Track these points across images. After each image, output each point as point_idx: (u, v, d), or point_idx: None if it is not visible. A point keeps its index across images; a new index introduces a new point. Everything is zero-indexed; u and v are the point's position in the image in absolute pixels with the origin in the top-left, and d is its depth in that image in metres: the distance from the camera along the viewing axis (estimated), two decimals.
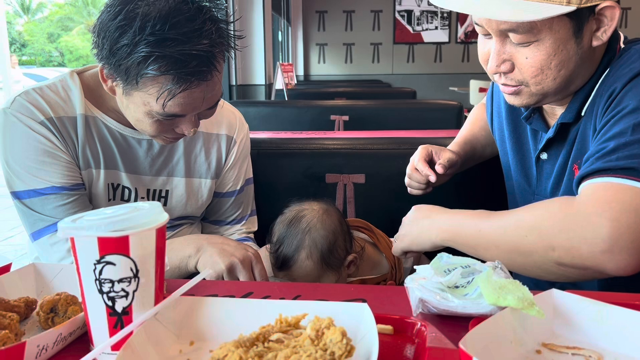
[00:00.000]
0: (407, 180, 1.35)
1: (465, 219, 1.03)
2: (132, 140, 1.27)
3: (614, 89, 0.99)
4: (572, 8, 0.93)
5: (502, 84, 1.08)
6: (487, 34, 1.05)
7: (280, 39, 7.89)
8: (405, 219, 1.16)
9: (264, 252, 1.24)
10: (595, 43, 1.01)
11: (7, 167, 1.18)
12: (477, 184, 1.60)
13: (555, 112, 1.16)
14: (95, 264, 0.63)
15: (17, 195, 1.18)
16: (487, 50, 1.06)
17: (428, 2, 8.49)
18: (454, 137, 1.58)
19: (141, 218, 0.66)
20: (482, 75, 7.25)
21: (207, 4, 1.07)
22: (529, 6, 0.94)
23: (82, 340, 0.71)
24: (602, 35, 1.00)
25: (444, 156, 1.31)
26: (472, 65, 8.51)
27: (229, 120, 1.42)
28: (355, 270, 1.26)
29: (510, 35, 1.00)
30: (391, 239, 1.36)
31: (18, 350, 0.61)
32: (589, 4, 0.95)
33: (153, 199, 1.32)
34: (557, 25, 0.97)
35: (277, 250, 1.21)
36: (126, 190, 1.28)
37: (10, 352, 0.60)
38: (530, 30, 0.97)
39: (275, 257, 1.21)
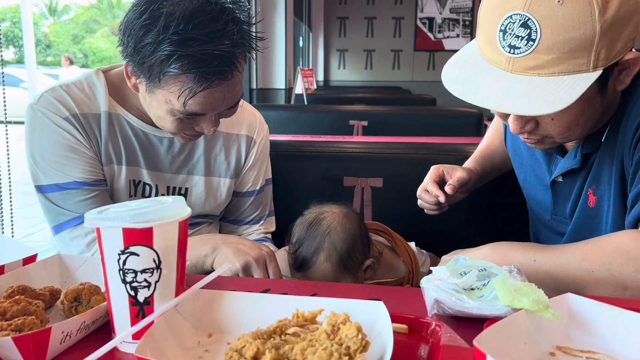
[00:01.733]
0: (419, 202, 1.35)
1: (535, 255, 0.97)
2: (153, 138, 1.29)
3: None
4: (599, 72, 0.89)
5: (525, 138, 1.04)
6: None
7: (301, 44, 7.93)
8: (476, 253, 1.04)
9: (282, 254, 1.25)
10: (619, 88, 0.98)
11: (32, 162, 1.21)
12: (499, 193, 1.59)
13: None
14: (119, 254, 0.65)
15: (40, 189, 1.21)
16: None
17: (450, 10, 8.47)
18: (474, 144, 1.58)
19: (165, 211, 0.68)
20: None
21: (230, 5, 1.09)
22: (557, 85, 0.88)
23: (104, 329, 0.73)
24: (625, 79, 0.97)
25: (455, 175, 1.30)
26: None
27: (249, 121, 1.44)
28: (372, 274, 1.26)
29: None
30: (409, 243, 1.37)
31: (44, 335, 0.63)
32: (614, 61, 0.91)
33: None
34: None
35: (296, 252, 1.22)
36: (147, 187, 1.31)
37: (37, 337, 0.63)
38: None
39: (294, 258, 1.22)
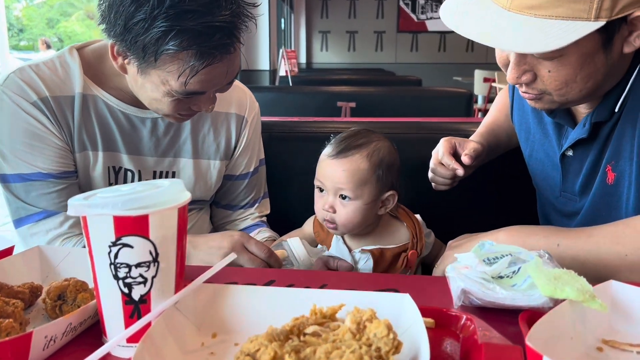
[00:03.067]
0: (430, 175, 1.28)
1: (559, 240, 0.91)
2: (135, 120, 1.19)
3: None
4: (601, 23, 0.84)
5: (523, 92, 1.00)
6: None
7: (283, 26, 7.79)
8: (490, 239, 0.96)
9: (296, 240, 1.17)
10: (627, 50, 0.92)
11: None
12: (503, 175, 1.53)
13: (581, 107, 1.08)
14: (110, 247, 0.57)
15: (3, 178, 1.11)
16: (505, 55, 0.97)
17: None
18: (470, 122, 1.51)
19: (161, 196, 0.59)
20: (487, 65, 7.17)
21: None
22: (552, 28, 0.85)
23: (93, 330, 0.65)
24: (635, 41, 0.90)
25: (468, 147, 1.24)
26: (477, 55, 8.42)
27: (239, 98, 1.34)
28: (384, 213, 1.22)
29: None
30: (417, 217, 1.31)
31: (24, 341, 0.55)
32: (620, 15, 0.85)
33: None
34: (585, 40, 0.86)
35: (340, 139, 1.20)
36: (129, 174, 1.21)
37: (16, 344, 0.54)
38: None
39: (337, 143, 1.20)
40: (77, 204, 0.57)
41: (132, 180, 1.22)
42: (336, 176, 1.15)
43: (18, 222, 1.13)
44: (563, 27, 0.84)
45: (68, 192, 1.14)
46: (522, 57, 0.93)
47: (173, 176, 1.27)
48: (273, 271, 0.91)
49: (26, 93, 1.09)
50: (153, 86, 1.04)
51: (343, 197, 1.15)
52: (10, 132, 1.09)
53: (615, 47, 0.91)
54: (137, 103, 1.17)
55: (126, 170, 1.21)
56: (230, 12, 0.97)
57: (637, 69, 0.97)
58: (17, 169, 1.10)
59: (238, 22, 1.00)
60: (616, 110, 1.00)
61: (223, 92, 1.14)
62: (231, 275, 0.84)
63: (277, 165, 1.57)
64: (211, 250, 1.04)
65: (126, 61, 1.04)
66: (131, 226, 0.56)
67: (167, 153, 1.25)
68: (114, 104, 1.17)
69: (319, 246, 1.24)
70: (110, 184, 1.20)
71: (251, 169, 1.39)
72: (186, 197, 0.61)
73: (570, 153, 1.12)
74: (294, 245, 1.08)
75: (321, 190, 1.18)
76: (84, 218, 0.57)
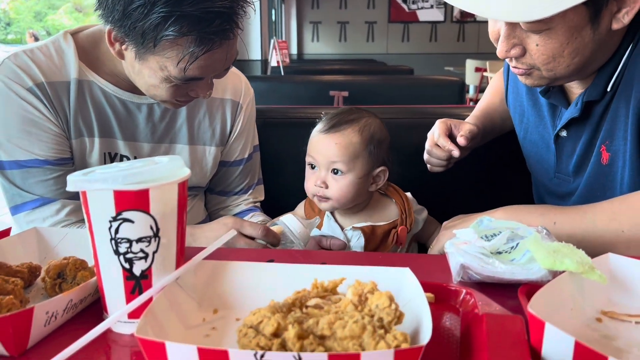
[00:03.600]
0: (426, 157, 1.28)
1: (555, 217, 0.91)
2: (131, 105, 1.18)
3: None
4: None
5: (513, 66, 1.01)
6: None
7: (273, 18, 7.74)
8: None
9: (288, 216, 1.18)
10: (615, 26, 0.92)
11: None
12: (497, 158, 1.53)
13: (575, 87, 1.09)
14: (110, 222, 0.56)
15: None
16: (497, 29, 0.98)
17: None
18: (465, 107, 1.51)
19: (161, 171, 0.59)
20: (478, 55, 7.17)
21: None
22: (538, 0, 0.85)
23: (95, 307, 0.65)
24: (624, 18, 0.91)
25: (464, 128, 1.24)
26: (468, 45, 8.41)
27: (234, 84, 1.34)
28: (375, 190, 1.24)
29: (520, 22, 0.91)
30: (407, 194, 1.31)
31: (25, 316, 0.54)
32: None
33: None
34: (572, 13, 0.88)
35: (334, 115, 1.22)
36: (125, 160, 1.20)
37: (17, 319, 0.54)
38: (541, 19, 0.88)
39: (328, 119, 1.21)
40: (76, 180, 0.57)
41: None
42: (329, 150, 1.16)
43: (15, 210, 1.12)
44: None
45: (65, 180, 1.12)
46: (511, 31, 0.94)
47: None
48: (273, 251, 0.91)
49: (21, 79, 1.08)
50: (151, 72, 1.03)
51: (335, 172, 1.15)
52: (5, 118, 1.08)
53: (603, 22, 0.91)
54: (132, 89, 1.17)
55: (122, 156, 1.20)
56: None
57: (629, 48, 0.97)
58: (14, 155, 1.08)
59: (237, 8, 1.00)
60: (608, 89, 1.01)
61: (220, 78, 1.13)
62: (231, 256, 0.84)
63: (271, 152, 1.56)
64: (209, 241, 1.03)
65: (123, 47, 1.03)
66: (132, 201, 0.56)
67: (163, 139, 1.24)
68: (109, 89, 1.16)
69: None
70: None
71: (246, 155, 1.38)
72: (185, 172, 0.61)
73: (564, 134, 1.12)
74: (288, 221, 1.08)
75: (313, 167, 1.19)
76: (84, 193, 0.57)
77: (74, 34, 1.17)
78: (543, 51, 0.93)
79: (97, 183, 0.56)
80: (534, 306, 0.51)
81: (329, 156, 1.16)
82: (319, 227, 1.24)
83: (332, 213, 1.26)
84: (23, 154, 1.08)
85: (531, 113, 1.22)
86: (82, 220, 1.02)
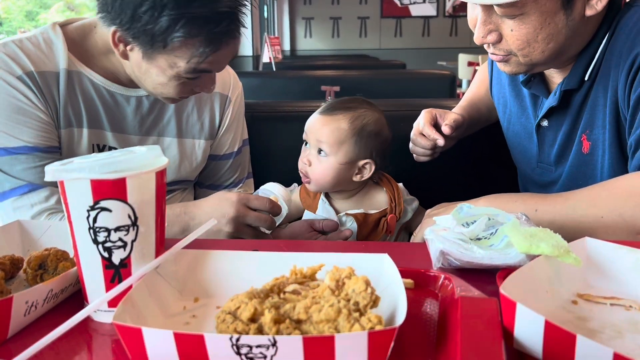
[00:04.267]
0: (411, 146, 1.29)
1: (536, 205, 0.92)
2: (119, 98, 1.19)
3: (635, 55, 0.92)
4: None
5: (491, 53, 1.03)
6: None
7: (265, 14, 7.71)
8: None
9: (270, 184, 1.21)
10: (589, 13, 0.94)
11: None
12: (485, 148, 1.54)
13: (555, 77, 1.10)
14: (88, 211, 0.57)
15: None
16: (474, 16, 1.00)
17: None
18: (452, 100, 1.52)
19: (139, 160, 0.59)
20: (471, 50, 7.17)
21: None
22: None
23: (76, 297, 0.65)
24: (597, 4, 0.93)
25: (449, 117, 1.25)
26: (461, 40, 8.42)
27: (222, 78, 1.34)
28: (359, 181, 1.25)
29: (494, 6, 0.93)
30: (399, 185, 1.33)
31: (4, 305, 0.55)
32: None
33: None
34: None
35: (336, 101, 1.25)
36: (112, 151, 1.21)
37: None
38: (514, 4, 0.90)
39: (329, 103, 1.25)
40: (54, 169, 0.57)
41: None
42: (318, 130, 1.20)
43: (1, 196, 1.10)
44: None
45: None
46: (487, 17, 0.96)
47: None
48: (256, 241, 0.92)
49: (11, 67, 1.07)
50: (159, 70, 1.05)
51: (320, 153, 1.19)
52: None
53: (576, 8, 0.93)
54: (121, 81, 1.17)
55: (110, 148, 1.20)
56: None
57: (605, 38, 0.98)
58: (2, 142, 1.07)
59: (241, 7, 1.03)
60: (586, 78, 1.02)
61: (219, 72, 1.15)
62: (213, 246, 0.84)
63: (261, 146, 1.57)
64: (209, 217, 1.01)
65: (128, 47, 1.05)
66: (109, 190, 0.56)
67: (151, 132, 1.25)
68: (98, 81, 1.16)
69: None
70: None
71: (235, 149, 1.39)
72: (163, 162, 0.61)
73: (545, 123, 1.13)
74: (271, 187, 1.13)
75: (306, 144, 1.23)
76: (61, 183, 0.57)
77: (63, 25, 1.17)
78: (518, 36, 0.94)
79: (75, 172, 0.56)
80: (507, 288, 0.52)
81: (318, 135, 1.20)
82: (314, 210, 1.26)
83: (327, 197, 1.28)
84: (11, 141, 1.07)
85: (513, 104, 1.23)
86: None
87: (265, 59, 5.14)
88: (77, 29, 1.17)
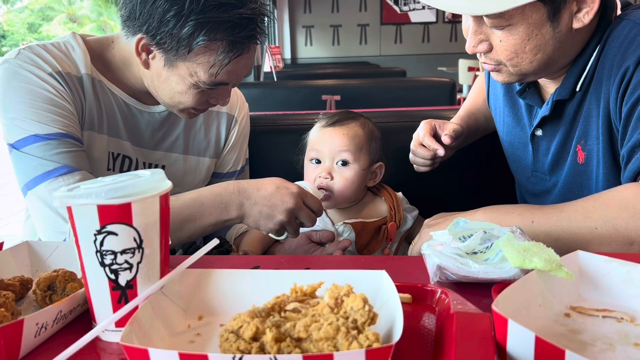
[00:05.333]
0: (411, 157, 1.32)
1: (533, 217, 0.94)
2: (134, 110, 1.23)
3: (626, 68, 0.94)
4: None
5: (483, 62, 1.06)
6: None
7: (266, 23, 7.75)
8: (468, 218, 0.97)
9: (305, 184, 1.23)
10: (576, 25, 0.96)
11: (7, 117, 1.08)
12: (484, 157, 1.56)
13: (549, 87, 1.12)
14: (95, 235, 0.59)
15: (16, 145, 1.07)
16: (467, 26, 1.03)
17: None
18: (455, 110, 1.54)
19: (143, 185, 0.61)
20: (471, 55, 7.17)
21: None
22: None
23: (84, 318, 0.67)
24: (584, 17, 0.95)
25: (448, 127, 1.28)
26: (461, 45, 8.42)
27: (230, 99, 1.37)
28: (373, 185, 1.30)
29: (484, 17, 0.96)
30: (398, 194, 1.35)
31: (16, 328, 0.57)
32: None
33: None
34: (530, 10, 0.93)
35: (333, 114, 1.28)
36: (126, 160, 1.23)
37: (8, 331, 0.56)
38: (501, 16, 0.93)
39: (330, 116, 1.27)
40: (61, 196, 0.59)
41: (130, 167, 1.24)
42: (336, 140, 1.21)
43: (34, 182, 1.06)
44: None
45: (84, 156, 1.11)
46: (478, 27, 0.99)
47: (163, 169, 1.29)
48: (258, 258, 0.94)
49: (41, 65, 1.10)
50: (179, 78, 1.08)
51: (342, 164, 1.19)
52: (25, 99, 1.07)
53: (563, 21, 0.95)
54: (136, 96, 1.21)
55: (124, 156, 1.23)
56: (258, 5, 1.05)
57: (597, 50, 1.00)
58: (34, 130, 1.06)
59: (262, 14, 1.07)
60: (577, 89, 1.04)
61: (235, 86, 1.18)
62: (216, 263, 0.87)
63: (261, 159, 1.59)
64: (274, 208, 1.02)
65: (151, 56, 1.08)
66: (115, 214, 0.58)
67: (159, 146, 1.28)
68: (116, 92, 1.20)
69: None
70: (108, 169, 1.21)
71: (238, 167, 1.42)
72: (167, 185, 0.63)
73: (539, 132, 1.16)
74: (305, 186, 1.13)
75: (317, 161, 1.23)
76: (69, 208, 0.59)
77: (82, 36, 1.21)
78: (506, 47, 0.98)
79: (81, 198, 0.58)
80: (500, 303, 0.54)
81: (337, 146, 1.21)
82: None
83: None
84: (44, 128, 1.06)
85: (508, 114, 1.25)
86: None
87: (266, 68, 5.17)
88: (96, 41, 1.21)
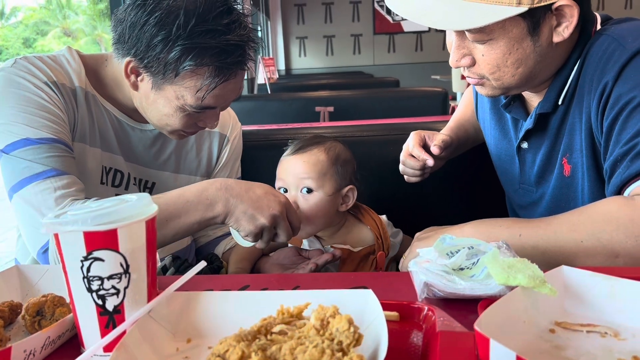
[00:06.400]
0: (401, 167, 1.33)
1: (520, 230, 0.94)
2: (127, 127, 1.24)
3: (605, 83, 0.95)
4: (523, 9, 0.91)
5: (467, 76, 1.07)
6: None
7: (260, 34, 7.79)
8: (457, 232, 0.99)
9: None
10: (556, 39, 0.98)
11: None
12: (474, 169, 1.57)
13: (533, 100, 1.14)
14: (82, 261, 0.60)
15: (4, 150, 1.06)
16: (450, 41, 1.04)
17: None
18: (445, 121, 1.56)
19: (129, 210, 0.62)
20: None
21: None
22: (477, 10, 0.91)
23: (72, 343, 0.67)
24: (564, 32, 0.97)
25: (437, 138, 1.29)
26: None
27: (222, 118, 1.38)
28: (344, 210, 1.27)
29: (466, 32, 0.97)
30: (380, 217, 1.34)
31: (4, 356, 0.57)
32: (543, 3, 0.92)
33: (140, 188, 1.28)
34: (510, 25, 0.94)
35: (299, 141, 1.26)
36: (119, 174, 1.24)
37: None
38: (482, 30, 0.95)
39: (294, 145, 1.26)
40: (48, 223, 0.60)
41: (121, 182, 1.24)
42: (297, 168, 1.20)
43: (21, 184, 1.04)
44: (485, 9, 0.91)
45: (74, 164, 1.10)
46: (461, 42, 1.00)
47: (153, 186, 1.30)
48: (248, 277, 0.94)
49: (36, 75, 1.11)
50: (166, 101, 1.09)
51: (306, 192, 1.19)
52: (18, 103, 1.07)
53: (543, 35, 0.97)
54: (129, 113, 1.22)
55: (116, 171, 1.23)
56: (246, 32, 1.06)
57: (577, 65, 1.02)
58: (24, 134, 1.05)
59: (250, 41, 1.08)
60: (559, 103, 1.05)
61: (224, 110, 1.19)
62: (206, 282, 0.87)
63: (253, 174, 1.59)
64: (260, 209, 1.01)
65: (139, 78, 1.10)
66: (101, 240, 0.59)
67: (151, 164, 1.29)
68: (109, 108, 1.21)
69: None
70: (102, 183, 1.21)
71: None
72: (153, 210, 0.64)
73: (525, 145, 1.17)
74: None
75: (285, 190, 1.22)
76: (56, 235, 0.60)
77: (77, 52, 1.22)
78: (488, 61, 0.99)
79: (68, 225, 0.59)
80: (483, 323, 0.54)
81: (298, 174, 1.20)
82: (299, 244, 1.28)
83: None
84: (36, 133, 1.06)
85: (495, 127, 1.27)
86: (88, 199, 1.03)
87: (260, 80, 5.19)
88: (91, 58, 1.23)
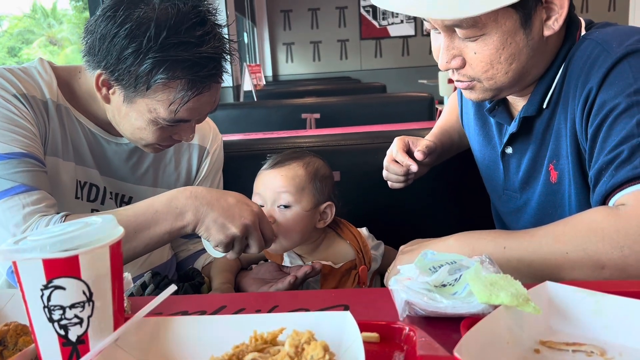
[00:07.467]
0: (385, 173, 1.31)
1: (505, 242, 0.91)
2: (101, 140, 1.21)
3: (589, 89, 0.94)
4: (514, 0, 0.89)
5: (456, 80, 1.04)
6: (437, 29, 1.00)
7: (246, 40, 7.77)
8: (441, 245, 0.97)
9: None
10: (547, 33, 0.97)
11: None
12: (459, 176, 1.55)
13: (518, 104, 1.12)
14: (42, 290, 0.56)
15: None
16: (438, 45, 1.02)
17: None
18: (429, 128, 1.54)
19: (93, 234, 0.59)
20: None
21: (208, 9, 1.06)
22: (466, 1, 0.89)
23: None
24: (554, 24, 0.96)
25: (421, 144, 1.27)
26: None
27: (202, 130, 1.36)
28: (323, 226, 1.25)
29: (457, 30, 0.95)
30: (360, 230, 1.31)
31: None
32: None
33: (117, 203, 1.25)
34: (503, 17, 0.92)
35: (278, 155, 1.24)
36: (94, 189, 1.20)
37: None
38: (475, 25, 0.92)
39: (273, 159, 1.23)
40: (5, 250, 0.57)
41: (97, 196, 1.20)
42: (275, 182, 1.17)
43: None
44: (479, 0, 0.89)
45: (45, 178, 1.07)
46: (450, 42, 0.97)
47: (130, 200, 1.26)
48: (224, 297, 0.92)
49: (5, 87, 1.08)
50: (138, 114, 1.06)
51: (284, 206, 1.16)
52: None
53: (535, 27, 0.95)
54: (103, 126, 1.19)
55: (92, 185, 1.20)
56: (220, 44, 1.04)
57: (562, 68, 1.00)
58: None
59: (224, 54, 1.06)
60: (544, 106, 1.04)
61: (200, 123, 1.16)
62: (182, 303, 0.84)
63: (237, 186, 1.56)
64: (232, 218, 0.99)
65: (111, 91, 1.07)
66: (61, 268, 0.56)
67: (128, 178, 1.25)
68: (83, 120, 1.18)
69: None
70: (77, 198, 1.18)
71: None
72: (118, 233, 0.61)
73: (509, 150, 1.15)
74: None
75: (262, 205, 1.19)
76: (14, 263, 0.57)
77: (49, 64, 1.19)
78: (481, 58, 0.96)
79: (26, 252, 0.56)
80: (463, 347, 0.52)
81: (275, 187, 1.17)
82: (280, 261, 1.25)
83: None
84: (4, 147, 1.03)
85: (480, 133, 1.25)
86: (61, 215, 0.99)
87: (246, 87, 5.17)
88: (64, 70, 1.20)
